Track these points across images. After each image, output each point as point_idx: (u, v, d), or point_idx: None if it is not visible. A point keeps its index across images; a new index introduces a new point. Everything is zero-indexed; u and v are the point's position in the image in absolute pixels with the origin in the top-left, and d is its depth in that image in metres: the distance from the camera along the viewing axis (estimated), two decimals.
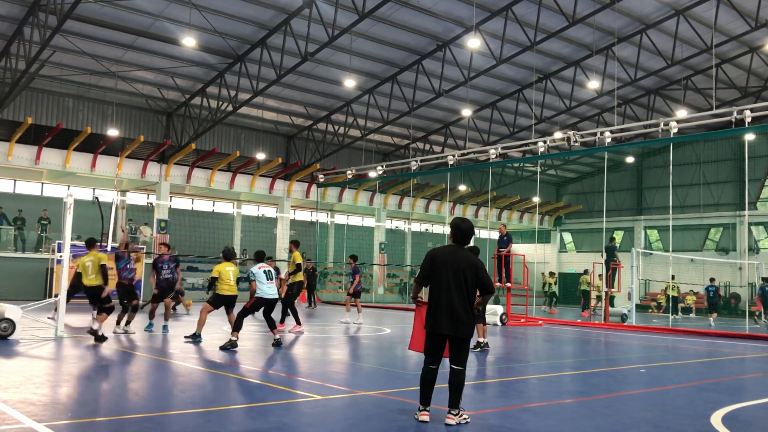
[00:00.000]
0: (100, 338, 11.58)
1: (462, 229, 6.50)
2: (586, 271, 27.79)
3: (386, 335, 15.41)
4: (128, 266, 13.75)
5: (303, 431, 5.85)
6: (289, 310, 15.10)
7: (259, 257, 12.37)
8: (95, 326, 11.71)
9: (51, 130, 25.50)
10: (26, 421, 5.68)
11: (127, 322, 13.60)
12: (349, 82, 27.00)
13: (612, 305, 24.10)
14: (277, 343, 11.95)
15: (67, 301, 13.05)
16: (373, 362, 10.94)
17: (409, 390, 7.70)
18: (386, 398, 7.36)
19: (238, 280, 12.70)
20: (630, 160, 40.58)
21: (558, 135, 24.80)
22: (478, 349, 12.20)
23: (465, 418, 6.14)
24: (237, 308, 12.14)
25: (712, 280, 25.97)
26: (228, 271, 12.26)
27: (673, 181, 26.31)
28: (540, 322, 21.28)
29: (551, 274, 31.63)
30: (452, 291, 6.23)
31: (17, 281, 23.85)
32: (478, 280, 6.31)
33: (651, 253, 36.70)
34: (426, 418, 6.19)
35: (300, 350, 11.85)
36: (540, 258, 41.13)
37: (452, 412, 6.11)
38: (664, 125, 20.09)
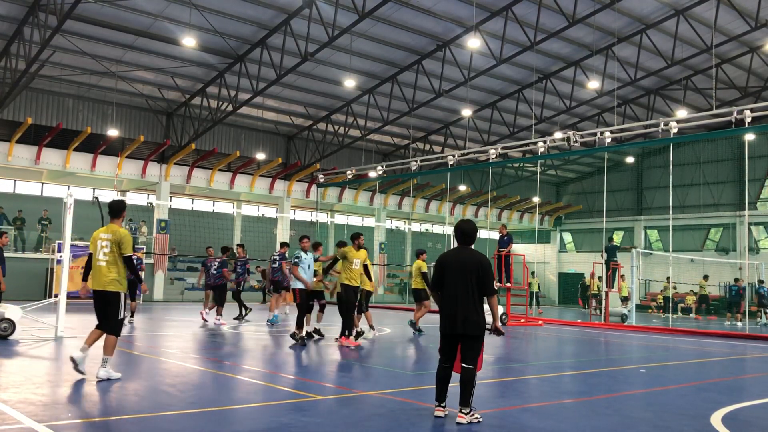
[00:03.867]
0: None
1: (463, 230, 6.66)
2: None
3: (386, 335, 15.40)
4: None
5: (302, 431, 5.85)
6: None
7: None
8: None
9: (51, 130, 25.51)
10: (26, 421, 5.68)
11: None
12: (349, 82, 26.99)
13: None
14: (294, 337, 12.35)
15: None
16: (373, 362, 10.94)
17: (409, 390, 7.70)
18: (386, 398, 7.35)
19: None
20: (630, 160, 40.56)
21: (558, 135, 24.78)
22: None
23: (477, 418, 6.17)
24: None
25: (737, 280, 25.88)
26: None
27: (673, 181, 26.31)
28: (540, 322, 21.28)
29: (533, 274, 31.92)
30: (463, 292, 6.37)
31: (17, 281, 23.78)
32: (479, 280, 6.39)
33: (651, 253, 36.70)
34: (441, 413, 6.30)
35: (299, 350, 11.83)
36: (540, 258, 41.14)
37: (463, 411, 6.14)
38: (664, 125, 20.07)
